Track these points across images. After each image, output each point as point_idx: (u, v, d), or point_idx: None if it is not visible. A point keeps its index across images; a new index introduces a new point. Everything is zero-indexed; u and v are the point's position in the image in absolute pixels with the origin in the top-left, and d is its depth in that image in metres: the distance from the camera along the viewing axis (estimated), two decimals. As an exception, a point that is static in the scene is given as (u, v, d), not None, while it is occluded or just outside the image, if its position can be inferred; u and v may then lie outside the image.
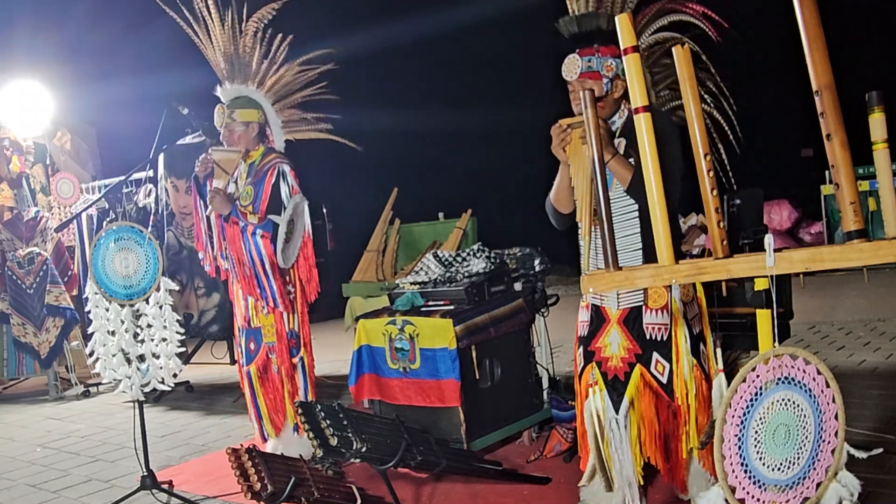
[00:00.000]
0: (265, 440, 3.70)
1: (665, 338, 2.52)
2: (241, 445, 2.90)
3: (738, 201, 3.70)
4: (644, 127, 1.55)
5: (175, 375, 3.85)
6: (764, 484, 1.45)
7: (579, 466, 2.79)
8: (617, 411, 2.54)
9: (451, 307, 3.47)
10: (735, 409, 1.42)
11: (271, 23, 3.77)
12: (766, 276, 1.54)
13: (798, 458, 1.48)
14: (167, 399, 5.87)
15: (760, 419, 1.44)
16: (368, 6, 11.41)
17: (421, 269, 3.88)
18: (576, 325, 2.75)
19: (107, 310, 3.36)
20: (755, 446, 1.44)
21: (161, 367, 3.41)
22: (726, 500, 1.44)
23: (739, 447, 1.43)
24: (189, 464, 4.07)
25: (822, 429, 1.50)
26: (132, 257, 3.37)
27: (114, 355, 3.36)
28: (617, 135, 2.56)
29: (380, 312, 3.67)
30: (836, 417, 1.51)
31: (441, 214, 4.98)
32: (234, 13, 3.67)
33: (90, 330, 3.44)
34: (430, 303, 3.61)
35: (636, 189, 2.40)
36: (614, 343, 2.58)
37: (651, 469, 2.65)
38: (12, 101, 6.78)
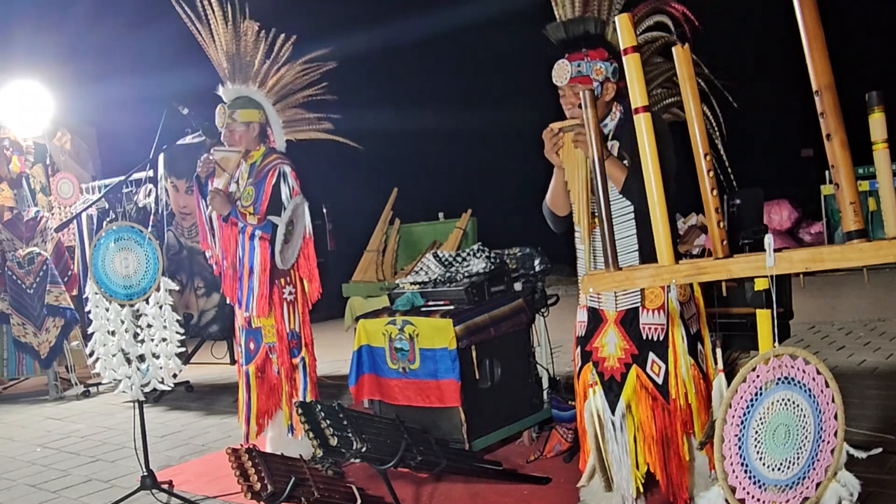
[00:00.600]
0: (247, 441, 3.68)
1: (661, 338, 2.52)
2: (241, 445, 2.90)
3: (738, 201, 3.70)
4: (644, 127, 1.55)
5: (175, 375, 3.85)
6: (764, 484, 1.45)
7: (579, 466, 2.79)
8: (613, 412, 2.54)
9: (451, 307, 3.47)
10: (735, 409, 1.42)
11: (273, 22, 3.76)
12: (766, 276, 1.54)
13: (798, 458, 1.48)
14: (167, 399, 5.87)
15: (760, 419, 1.44)
16: (368, 6, 11.41)
17: (421, 269, 3.88)
18: (574, 325, 2.75)
19: (107, 310, 3.36)
20: (755, 446, 1.44)
21: (161, 367, 3.41)
22: (726, 500, 1.44)
23: (739, 447, 1.43)
24: (189, 464, 4.07)
25: (821, 429, 1.50)
26: (132, 257, 3.37)
27: (114, 355, 3.36)
28: (609, 137, 2.56)
29: (380, 312, 3.67)
30: (835, 417, 1.51)
31: (441, 214, 4.98)
32: (236, 12, 3.66)
33: (90, 330, 3.44)
34: (430, 303, 3.61)
35: (630, 190, 2.41)
36: (611, 343, 2.58)
37: (648, 473, 2.65)
38: (12, 101, 6.78)
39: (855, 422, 3.44)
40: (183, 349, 3.49)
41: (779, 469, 1.46)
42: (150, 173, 5.85)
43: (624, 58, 1.56)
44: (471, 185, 11.88)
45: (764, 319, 1.61)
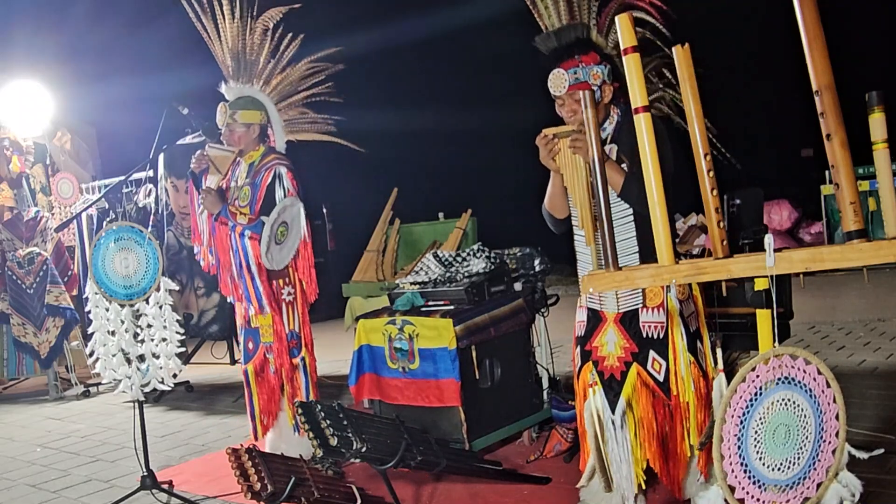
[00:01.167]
0: (256, 439, 3.69)
1: (661, 336, 2.52)
2: (241, 445, 2.90)
3: (738, 201, 3.70)
4: (644, 127, 1.55)
5: (175, 375, 3.85)
6: (764, 484, 1.45)
7: (579, 466, 2.79)
8: (613, 411, 2.54)
9: (451, 307, 3.47)
10: (735, 409, 1.42)
11: (278, 22, 3.76)
12: (766, 276, 1.54)
13: (798, 458, 1.48)
14: (167, 399, 5.87)
15: (760, 419, 1.44)
16: (368, 6, 11.41)
17: (421, 269, 3.88)
18: (574, 325, 2.75)
19: (107, 310, 3.36)
20: (755, 446, 1.44)
21: (161, 367, 3.41)
22: (726, 500, 1.43)
23: (739, 447, 1.43)
24: (189, 464, 4.07)
25: (822, 429, 1.50)
26: (132, 257, 3.37)
27: (114, 355, 3.36)
28: (607, 141, 2.56)
29: (380, 312, 3.67)
30: (836, 418, 1.50)
31: (441, 214, 4.98)
32: (243, 10, 3.66)
33: (90, 330, 3.44)
34: (430, 303, 3.61)
35: (629, 194, 2.41)
36: (611, 342, 2.58)
37: (652, 470, 2.65)
38: (12, 101, 6.78)
39: (855, 422, 3.44)
40: (183, 349, 3.49)
41: (779, 469, 1.46)
42: (150, 173, 5.85)
43: (624, 58, 1.56)
44: (471, 185, 11.89)
45: (764, 319, 1.61)
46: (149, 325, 3.39)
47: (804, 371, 1.47)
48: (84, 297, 3.97)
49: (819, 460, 1.50)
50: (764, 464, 1.45)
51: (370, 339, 3.61)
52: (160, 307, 3.39)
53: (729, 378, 1.48)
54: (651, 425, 2.51)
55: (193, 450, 4.36)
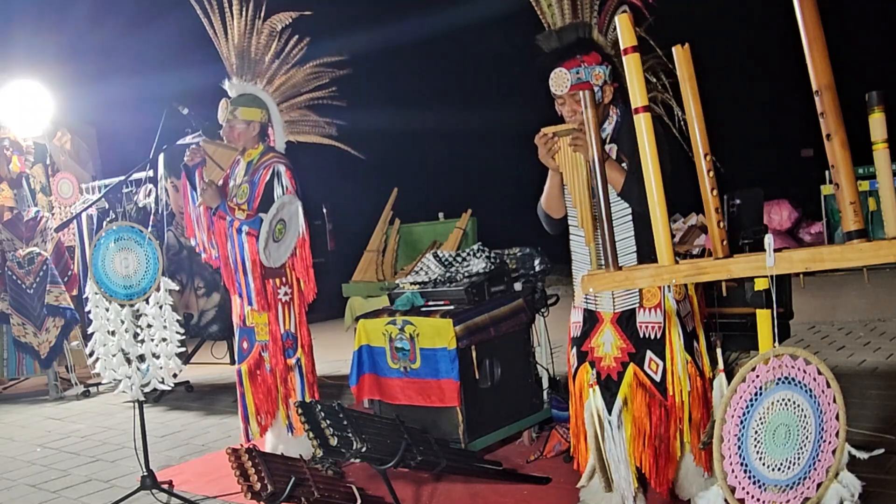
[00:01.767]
0: (248, 440, 3.68)
1: (659, 336, 2.52)
2: (241, 445, 2.90)
3: (738, 201, 3.71)
4: (644, 127, 1.55)
5: (175, 375, 3.85)
6: (764, 484, 1.45)
7: (574, 466, 2.79)
8: (610, 411, 2.54)
9: (451, 307, 3.47)
10: (735, 409, 1.42)
11: (276, 21, 3.76)
12: (766, 276, 1.54)
13: (798, 458, 1.48)
14: (167, 399, 5.87)
15: (760, 419, 1.44)
16: (369, 6, 11.41)
17: (421, 269, 3.88)
18: (568, 326, 2.75)
19: (107, 310, 3.36)
20: (755, 446, 1.44)
21: (161, 367, 3.41)
22: (726, 500, 1.43)
23: (739, 447, 1.43)
24: (189, 464, 4.07)
25: (822, 429, 1.49)
26: (132, 257, 3.37)
27: (114, 355, 3.36)
28: (607, 141, 2.56)
29: (380, 312, 3.67)
30: (836, 418, 1.50)
31: (441, 214, 4.98)
32: (252, 9, 3.66)
33: (90, 330, 3.43)
34: (430, 303, 3.61)
35: (629, 193, 2.42)
36: (607, 343, 2.58)
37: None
38: (12, 101, 6.78)
39: (855, 422, 3.44)
40: (183, 349, 3.49)
41: (779, 469, 1.46)
42: (150, 173, 5.85)
43: (624, 58, 1.55)
44: (471, 185, 11.89)
45: (764, 319, 1.61)
46: (149, 325, 3.39)
47: (804, 371, 1.47)
48: (84, 297, 3.98)
49: (819, 460, 1.50)
50: (764, 464, 1.45)
51: (370, 339, 3.61)
52: (160, 307, 3.39)
53: (729, 378, 1.48)
54: (644, 426, 2.52)
55: (193, 450, 4.36)
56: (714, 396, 2.48)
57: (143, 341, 3.39)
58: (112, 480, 3.87)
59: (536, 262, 3.79)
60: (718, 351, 1.65)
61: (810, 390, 1.48)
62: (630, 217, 2.50)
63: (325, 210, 10.80)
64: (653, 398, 2.52)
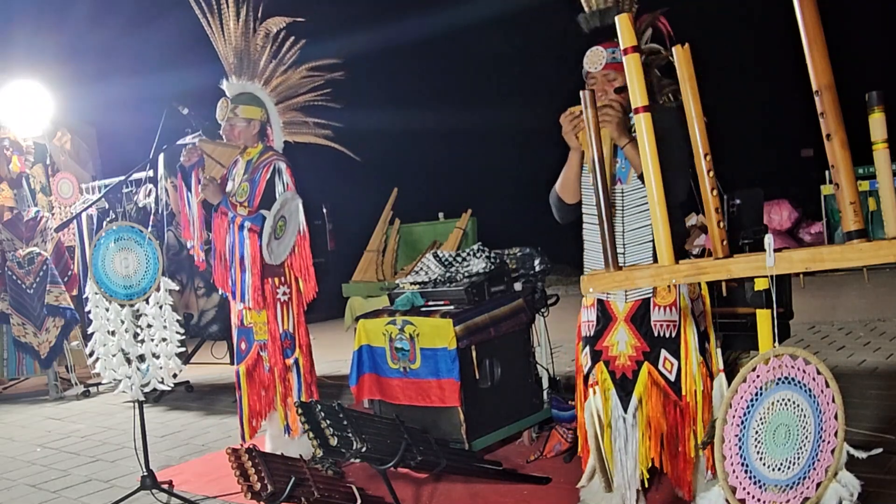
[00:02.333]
0: (244, 441, 3.67)
1: (674, 335, 2.51)
2: (241, 445, 2.90)
3: (738, 201, 3.70)
4: (644, 127, 1.55)
5: (175, 375, 3.85)
6: (764, 484, 1.45)
7: (580, 466, 2.79)
8: (626, 409, 2.53)
9: (451, 307, 3.47)
10: (736, 410, 1.42)
11: (275, 22, 3.76)
12: (766, 276, 1.54)
13: (798, 458, 1.48)
14: (167, 399, 5.87)
15: (761, 419, 1.44)
16: (369, 6, 11.41)
17: (421, 269, 3.88)
18: (578, 325, 2.73)
19: (107, 310, 3.36)
20: (756, 446, 1.44)
21: (161, 367, 3.41)
22: (727, 501, 1.44)
23: (740, 447, 1.43)
24: (189, 464, 4.07)
25: (821, 429, 1.50)
26: (132, 257, 3.37)
27: (114, 355, 3.36)
28: (633, 130, 2.55)
29: (380, 312, 3.67)
30: (835, 417, 1.51)
31: (441, 214, 4.98)
32: (249, 9, 3.67)
33: (90, 330, 3.44)
34: (430, 303, 3.61)
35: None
36: (622, 341, 2.57)
37: (651, 469, 2.65)
38: (12, 101, 6.78)
39: (855, 422, 3.44)
40: (183, 349, 3.49)
41: (779, 469, 1.46)
42: (150, 173, 5.85)
43: (624, 58, 1.56)
44: (471, 185, 11.89)
45: (764, 319, 1.61)
46: (149, 325, 3.39)
47: (804, 371, 1.47)
48: (84, 297, 3.97)
49: (818, 460, 1.50)
50: (764, 464, 1.45)
51: (370, 339, 3.61)
52: (160, 307, 3.39)
53: (729, 378, 1.48)
54: (660, 425, 2.50)
55: (193, 450, 4.36)
56: (714, 396, 2.48)
57: (143, 341, 3.39)
58: (112, 480, 3.87)
59: (536, 262, 3.79)
60: (718, 351, 1.65)
61: (809, 390, 1.48)
62: (648, 206, 2.50)
63: (325, 210, 10.79)
64: (667, 398, 2.51)
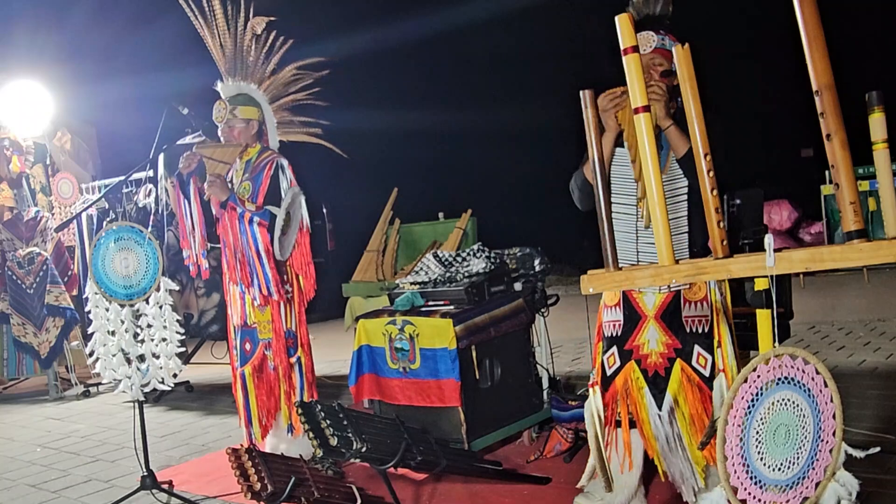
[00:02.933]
0: (252, 445, 3.65)
1: (706, 330, 2.50)
2: (241, 445, 2.90)
3: (738, 201, 3.70)
4: (644, 127, 1.55)
5: (175, 375, 3.84)
6: (765, 484, 1.45)
7: (580, 466, 2.79)
8: (660, 407, 2.52)
9: (451, 307, 3.47)
10: (737, 410, 1.42)
11: (273, 21, 3.77)
12: (766, 276, 1.54)
13: (798, 458, 1.48)
14: (167, 399, 5.87)
15: (761, 419, 1.44)
16: (369, 6, 11.42)
17: (421, 269, 3.88)
18: (598, 324, 2.69)
19: (107, 310, 3.36)
20: (756, 447, 1.44)
21: (161, 367, 3.41)
22: (728, 501, 1.44)
23: (741, 448, 1.43)
24: (189, 464, 4.07)
25: (820, 428, 1.50)
26: (132, 257, 3.37)
27: (114, 355, 3.36)
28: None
29: (380, 312, 3.67)
30: (833, 417, 1.51)
31: (441, 214, 4.98)
32: (239, 10, 3.67)
33: (90, 330, 3.43)
34: (430, 303, 3.61)
35: (688, 160, 2.32)
36: (652, 339, 2.56)
37: (651, 469, 2.65)
38: (12, 101, 6.78)
39: (855, 422, 3.44)
40: (183, 349, 3.49)
41: (779, 469, 1.46)
42: (150, 173, 5.85)
43: (624, 58, 1.56)
44: (471, 185, 11.89)
45: (764, 319, 1.60)
46: (149, 325, 3.39)
47: (802, 371, 1.47)
48: (84, 297, 3.97)
49: (817, 460, 1.50)
50: (765, 464, 1.45)
51: (370, 339, 3.61)
52: (160, 307, 3.39)
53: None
54: (703, 421, 2.48)
55: (193, 450, 4.36)
56: (714, 397, 2.48)
57: (143, 341, 3.39)
58: (112, 480, 3.87)
59: (536, 262, 3.79)
60: (718, 351, 1.65)
61: (808, 390, 1.48)
62: (685, 195, 2.50)
63: (325, 210, 10.79)
64: (702, 392, 2.49)
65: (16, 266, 6.16)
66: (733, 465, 1.42)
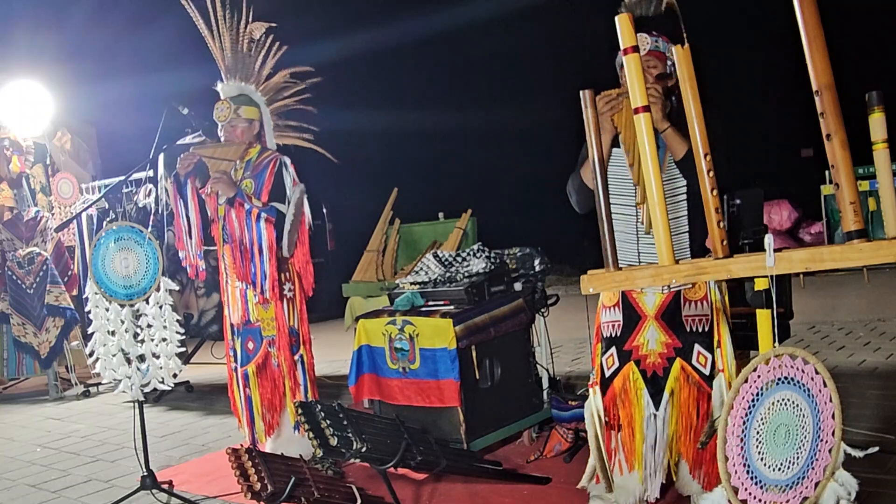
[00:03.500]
0: (255, 445, 3.65)
1: (707, 329, 2.51)
2: (241, 445, 2.90)
3: (738, 201, 3.70)
4: (644, 127, 1.55)
5: (175, 375, 3.84)
6: (765, 484, 1.45)
7: (580, 466, 2.78)
8: (657, 407, 2.52)
9: (451, 307, 3.47)
10: (737, 410, 1.42)
11: (274, 21, 3.78)
12: (766, 276, 1.54)
13: (797, 457, 1.48)
14: (167, 399, 5.87)
15: (762, 420, 1.44)
16: (369, 6, 11.42)
17: (421, 269, 3.88)
18: (597, 325, 2.69)
19: (107, 310, 3.36)
20: (757, 447, 1.44)
21: (161, 367, 3.41)
22: (729, 502, 1.44)
23: (742, 448, 1.43)
24: (189, 464, 4.07)
25: (820, 428, 1.50)
26: (132, 257, 3.37)
27: (114, 355, 3.36)
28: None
29: (380, 312, 3.67)
30: (833, 416, 1.51)
31: (441, 214, 4.98)
32: (240, 11, 3.68)
33: (90, 330, 3.43)
34: (430, 303, 3.61)
35: (687, 162, 2.36)
36: (652, 340, 2.55)
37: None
38: (12, 101, 6.78)
39: (855, 422, 3.44)
40: (183, 349, 3.48)
41: (779, 469, 1.46)
42: (150, 173, 5.85)
43: (623, 58, 1.56)
44: (471, 185, 11.89)
45: (764, 319, 1.61)
46: (149, 325, 3.39)
47: (802, 371, 1.47)
48: (84, 297, 3.97)
49: (817, 459, 1.50)
50: (765, 464, 1.45)
51: (370, 339, 3.61)
52: (160, 307, 3.39)
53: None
54: (690, 419, 2.49)
55: (193, 450, 4.36)
56: (714, 397, 2.48)
57: (143, 341, 3.39)
58: (112, 480, 3.87)
59: (536, 262, 3.80)
60: (718, 351, 1.65)
61: (808, 390, 1.48)
62: (685, 195, 2.49)
63: (325, 210, 10.79)
64: (701, 392, 2.49)
65: (16, 266, 6.16)
66: (734, 465, 1.42)
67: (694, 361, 2.51)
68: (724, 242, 1.52)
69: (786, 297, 3.61)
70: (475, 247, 3.87)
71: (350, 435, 2.70)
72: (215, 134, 3.68)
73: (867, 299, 7.43)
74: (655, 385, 2.54)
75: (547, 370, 3.88)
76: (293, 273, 3.69)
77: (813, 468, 1.50)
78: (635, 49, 1.55)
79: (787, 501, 1.48)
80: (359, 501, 2.84)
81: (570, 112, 2.53)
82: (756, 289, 1.62)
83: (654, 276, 1.60)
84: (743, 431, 1.43)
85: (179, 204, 3.63)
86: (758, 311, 1.62)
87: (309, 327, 3.79)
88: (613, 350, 2.62)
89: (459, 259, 3.86)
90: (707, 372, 2.49)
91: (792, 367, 1.46)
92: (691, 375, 2.50)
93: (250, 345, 3.66)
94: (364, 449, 2.69)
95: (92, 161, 7.99)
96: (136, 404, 3.35)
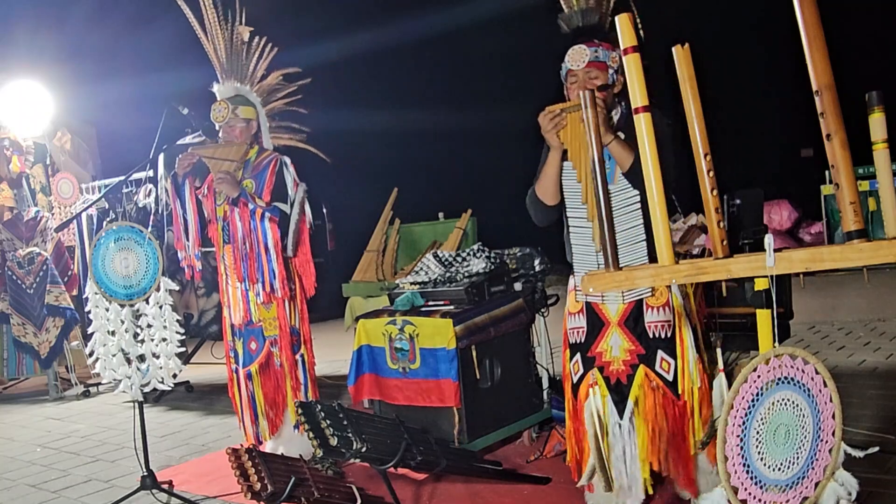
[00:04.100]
0: (259, 444, 3.66)
1: (669, 335, 2.50)
2: (241, 445, 2.90)
3: (738, 201, 3.71)
4: (644, 127, 1.54)
5: (175, 375, 3.84)
6: (765, 484, 1.45)
7: (580, 466, 2.78)
8: (621, 415, 2.52)
9: (451, 307, 3.47)
10: (737, 410, 1.42)
11: (274, 21, 3.79)
12: (766, 276, 1.54)
13: (797, 458, 1.48)
14: (167, 399, 5.87)
15: (762, 420, 1.44)
16: (369, 6, 11.41)
17: (421, 269, 3.88)
18: (563, 332, 2.70)
19: (107, 310, 3.36)
20: (756, 447, 1.44)
21: (161, 367, 3.41)
22: (729, 502, 1.43)
23: (742, 448, 1.43)
24: (189, 464, 4.07)
25: (820, 428, 1.50)
26: (132, 257, 3.37)
27: (114, 355, 3.36)
28: (614, 130, 2.55)
29: (380, 312, 3.68)
30: (833, 416, 1.51)
31: (441, 214, 4.98)
32: (234, 12, 3.69)
33: (90, 330, 3.43)
34: (430, 303, 3.61)
35: (636, 173, 2.36)
36: (615, 346, 2.55)
37: (656, 476, 2.64)
38: (12, 101, 6.78)
39: (855, 422, 3.44)
40: (183, 349, 3.49)
41: (779, 469, 1.46)
42: (150, 173, 5.85)
43: (624, 58, 1.55)
44: (471, 185, 11.89)
45: (764, 319, 1.60)
46: (149, 325, 3.39)
47: (802, 370, 1.47)
48: (84, 297, 3.97)
49: (817, 459, 1.50)
50: (765, 464, 1.45)
51: (370, 339, 3.61)
52: (160, 307, 3.39)
53: (728, 378, 1.48)
54: (661, 426, 2.48)
55: (193, 450, 4.36)
56: (714, 397, 2.48)
57: (143, 341, 3.39)
58: (112, 480, 3.87)
59: (536, 262, 3.80)
60: (718, 351, 1.65)
61: (808, 389, 1.48)
62: (639, 205, 2.47)
63: (325, 210, 10.79)
64: (666, 398, 2.49)
65: (16, 266, 6.16)
66: (734, 465, 1.42)
67: (657, 368, 2.50)
68: (724, 242, 1.52)
69: (786, 297, 3.61)
70: (475, 247, 3.87)
71: (350, 435, 2.70)
72: (215, 134, 3.68)
73: (867, 299, 7.43)
74: (619, 392, 2.53)
75: (547, 370, 3.88)
76: (294, 272, 3.70)
77: (813, 468, 1.50)
78: (636, 49, 1.55)
79: (787, 501, 1.47)
80: (359, 501, 2.84)
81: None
82: (756, 289, 1.61)
83: (654, 275, 1.60)
84: (743, 431, 1.43)
85: (177, 204, 3.64)
86: (758, 311, 1.61)
87: (310, 327, 3.79)
88: (578, 356, 2.62)
89: (459, 259, 3.86)
90: (670, 378, 2.48)
91: (792, 367, 1.45)
92: (655, 381, 2.49)
93: (252, 345, 3.66)
94: (364, 449, 2.69)
95: (92, 161, 8.00)
96: (136, 404, 3.35)
